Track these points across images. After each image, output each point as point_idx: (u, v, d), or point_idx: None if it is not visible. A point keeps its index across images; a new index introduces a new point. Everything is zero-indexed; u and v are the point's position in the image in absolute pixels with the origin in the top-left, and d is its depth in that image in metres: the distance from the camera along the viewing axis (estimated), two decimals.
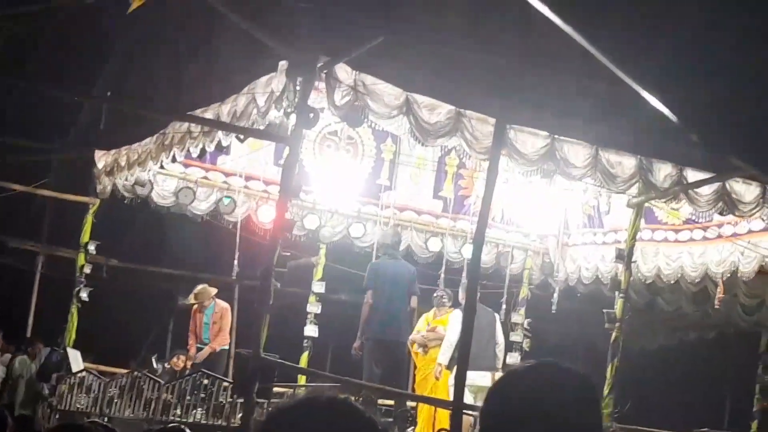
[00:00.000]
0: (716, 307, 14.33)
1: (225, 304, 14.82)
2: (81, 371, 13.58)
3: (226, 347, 14.67)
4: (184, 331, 15.03)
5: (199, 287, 14.68)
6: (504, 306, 15.36)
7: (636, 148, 11.26)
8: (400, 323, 13.09)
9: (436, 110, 10.69)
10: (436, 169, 15.16)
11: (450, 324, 12.80)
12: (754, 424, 15.50)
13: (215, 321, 14.60)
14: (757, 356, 16.17)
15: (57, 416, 13.02)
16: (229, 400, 11.44)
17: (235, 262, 13.94)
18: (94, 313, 14.72)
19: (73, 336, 14.20)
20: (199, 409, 11.71)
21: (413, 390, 13.66)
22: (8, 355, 17.04)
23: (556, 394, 2.07)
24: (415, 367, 13.96)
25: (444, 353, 12.62)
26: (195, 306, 14.67)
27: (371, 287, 13.08)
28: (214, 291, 14.64)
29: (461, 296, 12.76)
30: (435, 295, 13.82)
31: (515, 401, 2.07)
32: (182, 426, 5.71)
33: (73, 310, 14.25)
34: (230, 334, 16.34)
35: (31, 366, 16.83)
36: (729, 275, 13.59)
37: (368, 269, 13.35)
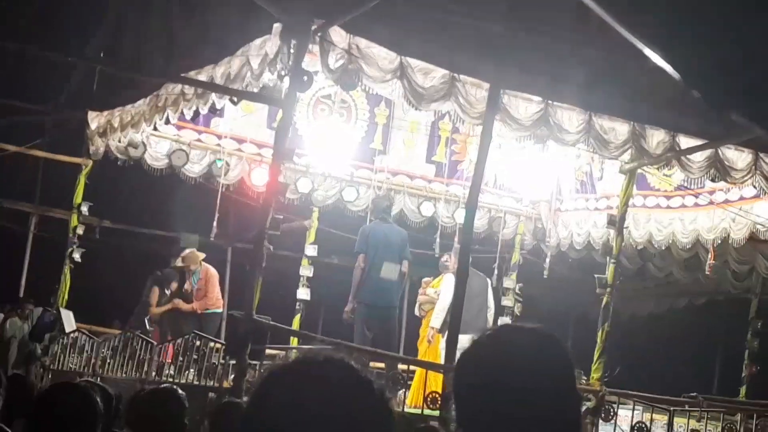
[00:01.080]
0: (707, 273, 14.41)
1: (212, 269, 14.83)
2: (74, 332, 13.62)
3: (218, 311, 14.72)
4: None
5: (187, 251, 14.70)
6: (496, 271, 15.40)
7: (629, 114, 11.28)
8: (392, 287, 13.10)
9: (430, 74, 10.68)
10: (429, 134, 15.13)
11: (442, 288, 12.85)
12: (743, 389, 15.63)
13: (200, 287, 14.65)
14: (746, 322, 16.26)
15: (50, 376, 13.08)
16: (222, 361, 11.49)
17: (214, 224, 13.88)
18: (87, 273, 14.75)
19: (66, 296, 14.24)
20: (192, 370, 11.77)
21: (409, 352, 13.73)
22: (0, 315, 17.07)
23: (522, 354, 2.08)
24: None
25: (436, 317, 12.67)
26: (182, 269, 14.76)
27: (363, 251, 13.07)
28: (202, 256, 14.66)
29: (453, 261, 12.79)
30: (442, 260, 13.77)
31: (483, 367, 2.09)
32: (174, 387, 5.73)
33: (66, 270, 14.28)
34: (223, 297, 16.43)
35: (24, 326, 16.88)
36: (720, 242, 13.66)
37: (360, 233, 13.34)
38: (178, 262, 14.79)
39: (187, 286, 14.73)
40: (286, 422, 1.71)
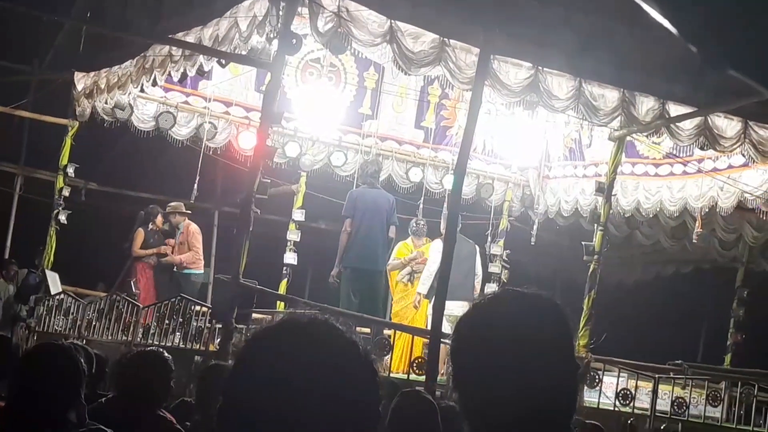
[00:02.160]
0: (694, 241, 14.43)
1: (195, 226, 14.89)
2: (59, 293, 13.59)
3: (197, 271, 14.74)
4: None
5: (174, 203, 14.76)
6: (489, 239, 15.41)
7: (619, 81, 11.26)
8: (378, 252, 13.09)
9: (419, 39, 10.62)
10: (418, 99, 15.08)
11: (430, 254, 12.84)
12: (728, 357, 15.71)
13: (182, 241, 14.76)
14: (732, 291, 16.32)
15: (35, 338, 13.05)
16: (208, 325, 11.48)
17: (195, 186, 13.81)
18: (73, 235, 14.69)
19: (51, 258, 14.19)
20: (178, 333, 11.75)
21: (391, 319, 13.74)
22: None
23: (522, 321, 2.07)
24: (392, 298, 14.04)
25: (423, 283, 12.68)
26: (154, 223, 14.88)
27: (350, 216, 13.07)
28: (187, 212, 14.73)
29: (443, 227, 12.78)
30: (413, 223, 13.85)
31: (482, 332, 2.07)
32: (160, 349, 5.72)
33: (52, 232, 14.23)
34: (209, 260, 16.42)
35: (8, 288, 16.81)
36: (707, 210, 13.67)
37: (347, 197, 13.32)
38: (168, 209, 14.85)
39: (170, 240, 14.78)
40: (271, 382, 1.69)
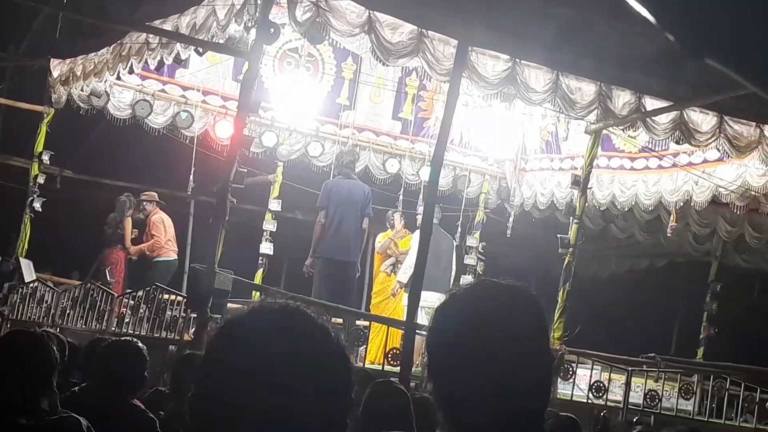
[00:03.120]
0: (668, 235, 14.51)
1: (160, 215, 14.95)
2: (33, 281, 13.52)
3: (165, 258, 14.78)
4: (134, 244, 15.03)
5: (149, 192, 14.98)
6: (459, 229, 15.43)
7: (596, 74, 11.29)
8: (351, 243, 13.08)
9: (398, 30, 10.61)
10: (396, 90, 15.08)
11: (412, 245, 12.86)
12: (701, 351, 15.82)
13: (146, 231, 14.86)
14: (705, 285, 16.43)
15: (8, 326, 12.98)
16: (183, 314, 11.45)
17: (191, 177, 13.86)
18: (47, 223, 14.61)
19: (26, 246, 14.11)
20: (152, 323, 11.71)
21: (368, 311, 13.77)
22: None
23: (498, 311, 2.06)
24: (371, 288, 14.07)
25: (405, 272, 12.71)
26: (131, 212, 14.93)
27: (324, 207, 13.07)
28: (156, 199, 14.85)
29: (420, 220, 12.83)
30: (390, 215, 13.88)
31: (458, 322, 2.06)
32: (134, 339, 5.70)
33: (26, 220, 14.15)
34: (185, 250, 16.37)
35: None
36: (682, 204, 13.74)
37: (322, 188, 13.31)
38: (143, 197, 14.96)
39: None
40: (242, 369, 1.68)
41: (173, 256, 14.88)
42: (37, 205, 14.19)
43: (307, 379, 1.69)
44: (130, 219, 14.81)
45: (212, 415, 1.70)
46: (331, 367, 1.73)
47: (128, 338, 5.98)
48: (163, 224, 14.80)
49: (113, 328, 11.80)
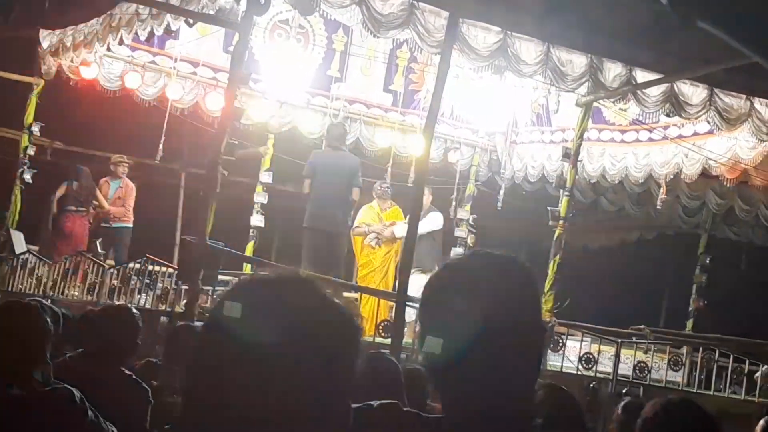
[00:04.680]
0: (658, 208, 14.54)
1: (131, 183, 15.45)
2: (24, 253, 13.52)
3: (129, 226, 15.25)
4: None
5: (118, 155, 15.51)
6: (454, 203, 15.47)
7: (587, 46, 11.28)
8: (337, 213, 13.00)
9: (389, 1, 10.59)
10: (387, 63, 15.04)
11: (426, 219, 12.83)
12: (689, 323, 15.90)
13: (119, 196, 15.34)
14: (695, 257, 16.49)
15: (0, 297, 12.98)
16: (174, 286, 11.47)
17: (160, 146, 13.82)
18: (38, 195, 14.60)
19: (16, 217, 14.10)
20: (144, 294, 11.74)
21: (357, 283, 13.78)
22: None
23: (490, 281, 2.06)
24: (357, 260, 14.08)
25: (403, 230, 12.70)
26: (104, 178, 15.47)
27: (309, 176, 13.01)
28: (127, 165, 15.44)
29: (428, 196, 12.94)
30: (378, 186, 13.87)
31: (451, 293, 2.06)
32: (127, 304, 5.71)
33: (17, 191, 14.13)
34: (177, 222, 16.39)
35: None
36: (672, 177, 13.76)
37: (309, 159, 13.27)
38: (114, 160, 15.53)
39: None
40: (249, 338, 1.64)
41: (131, 223, 15.36)
42: (27, 177, 14.17)
43: (314, 353, 1.65)
44: (105, 183, 15.49)
45: (207, 390, 1.66)
46: (343, 339, 1.71)
47: (122, 303, 5.99)
48: (133, 190, 15.23)
49: (105, 300, 11.82)
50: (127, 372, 5.26)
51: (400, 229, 12.87)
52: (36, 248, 14.54)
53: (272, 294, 1.70)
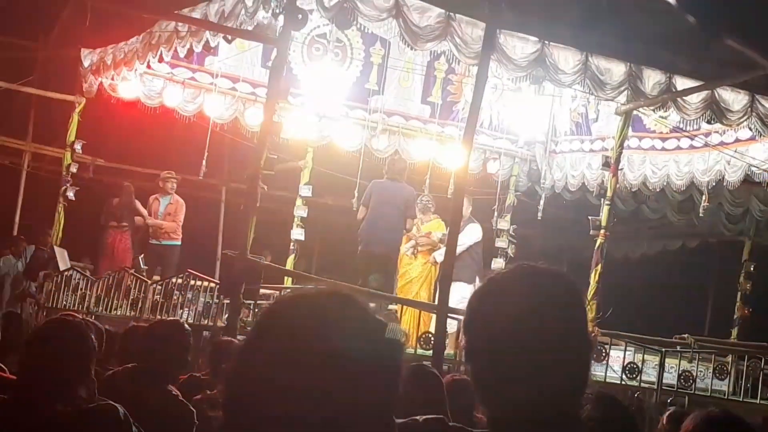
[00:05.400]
0: (701, 215, 14.42)
1: (181, 199, 15.35)
2: (68, 269, 13.65)
3: (178, 243, 15.16)
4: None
5: (167, 171, 15.38)
6: (495, 214, 15.45)
7: (626, 54, 11.22)
8: (387, 237, 13.17)
9: (426, 14, 10.59)
10: (424, 74, 15.05)
11: (463, 233, 12.83)
12: (734, 331, 15.73)
13: (169, 212, 15.22)
14: (739, 264, 16.33)
15: (44, 314, 13.12)
16: (216, 300, 11.52)
17: (203, 162, 13.91)
18: (81, 212, 14.75)
19: (60, 234, 14.24)
20: (186, 309, 11.79)
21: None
22: None
23: (537, 296, 2.06)
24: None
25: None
26: (153, 195, 15.41)
27: (365, 204, 13.28)
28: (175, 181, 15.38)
29: (467, 206, 12.94)
30: (419, 200, 13.87)
31: (498, 306, 2.06)
32: (179, 319, 5.69)
33: (60, 208, 14.28)
34: (217, 236, 16.50)
35: (17, 264, 16.89)
36: (714, 184, 13.64)
37: (368, 187, 13.53)
38: (163, 176, 15.43)
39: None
40: (290, 352, 1.64)
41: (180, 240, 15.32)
42: (71, 194, 14.31)
43: (353, 372, 1.64)
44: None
45: (247, 403, 1.66)
46: (377, 363, 1.68)
47: (174, 319, 5.95)
48: (183, 206, 15.20)
49: (147, 315, 11.89)
50: (174, 392, 5.20)
51: (439, 253, 12.92)
52: (92, 266, 14.75)
53: (314, 308, 1.69)
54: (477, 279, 12.87)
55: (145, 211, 15.35)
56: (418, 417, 2.13)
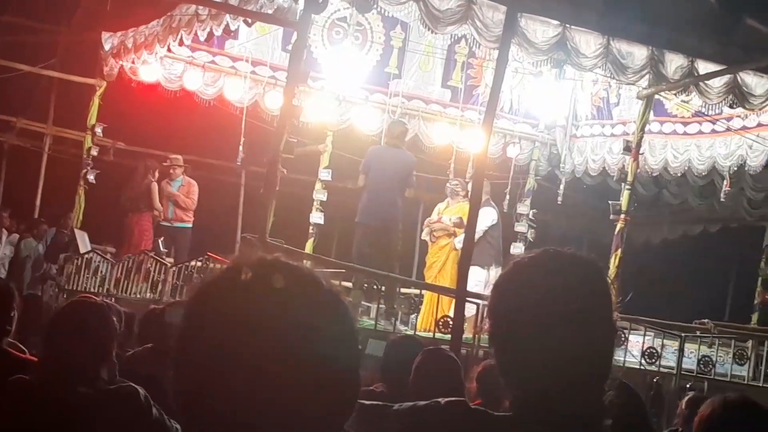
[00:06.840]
0: (722, 200, 14.35)
1: (193, 180, 15.32)
2: (88, 252, 13.71)
3: (189, 225, 15.15)
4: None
5: (174, 156, 15.38)
6: (508, 197, 15.36)
7: (648, 38, 11.16)
8: (387, 209, 12.74)
9: None
10: (445, 58, 15.01)
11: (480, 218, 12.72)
12: (755, 316, 15.65)
13: (182, 193, 15.20)
14: (760, 250, 16.25)
15: (64, 296, 13.19)
16: None
17: (240, 148, 13.96)
18: (101, 195, 14.80)
19: (80, 217, 14.31)
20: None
21: (420, 278, 13.75)
22: (16, 235, 17.17)
23: (562, 281, 2.05)
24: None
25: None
26: (164, 180, 15.31)
27: (364, 172, 12.83)
28: (186, 165, 15.41)
29: (486, 190, 12.80)
30: (448, 184, 13.74)
31: (523, 291, 2.07)
32: None
33: (81, 191, 14.34)
34: (236, 220, 16.53)
35: (38, 247, 16.99)
36: (736, 169, 13.57)
37: (366, 154, 13.10)
38: (173, 161, 15.38)
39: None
40: (220, 338, 1.46)
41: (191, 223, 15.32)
42: (91, 177, 14.37)
43: (297, 355, 1.46)
44: (155, 184, 15.25)
45: (193, 386, 1.48)
46: (331, 339, 1.51)
47: None
48: (195, 187, 15.19)
49: (167, 298, 11.93)
50: None
51: (458, 240, 12.78)
52: (113, 250, 14.79)
53: (242, 287, 1.54)
54: (494, 264, 12.83)
55: (156, 197, 15.17)
56: (440, 399, 2.13)
